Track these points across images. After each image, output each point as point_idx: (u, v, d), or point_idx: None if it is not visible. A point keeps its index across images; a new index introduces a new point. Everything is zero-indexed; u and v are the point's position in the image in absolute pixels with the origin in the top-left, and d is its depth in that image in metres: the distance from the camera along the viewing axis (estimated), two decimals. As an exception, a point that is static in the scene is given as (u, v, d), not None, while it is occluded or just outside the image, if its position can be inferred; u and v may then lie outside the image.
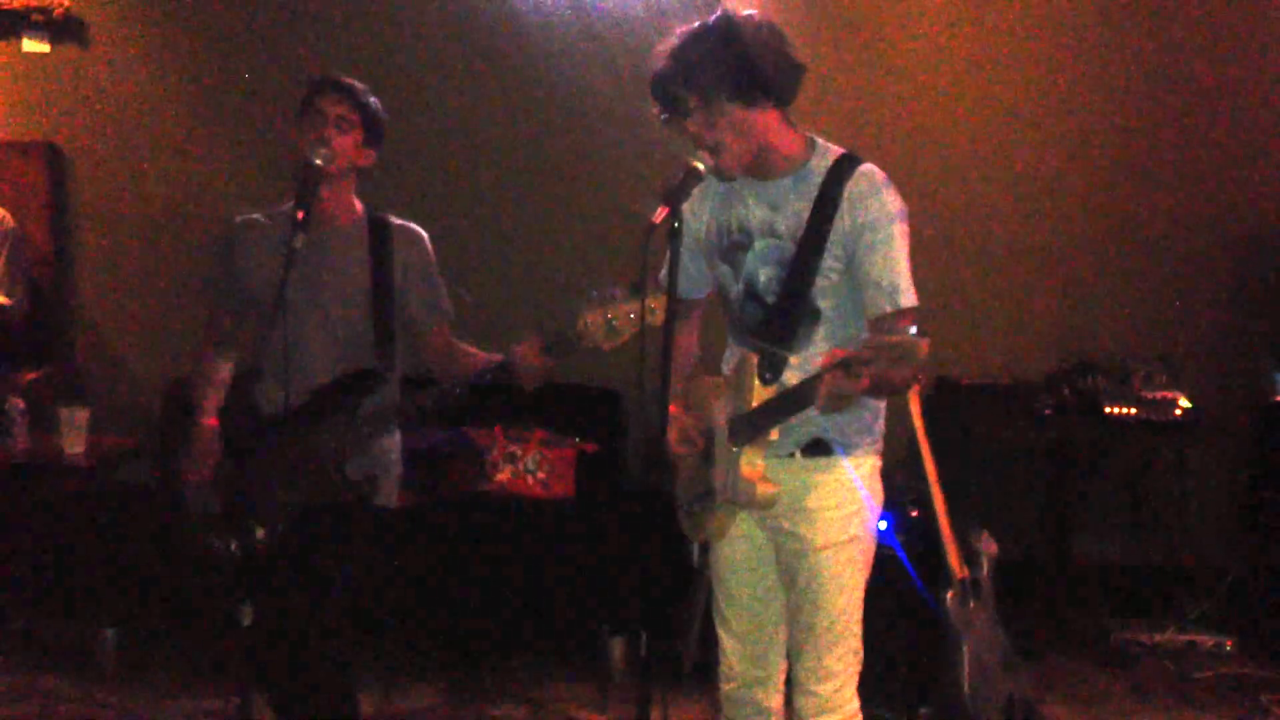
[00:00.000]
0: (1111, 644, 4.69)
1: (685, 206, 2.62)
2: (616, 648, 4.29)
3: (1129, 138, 5.14)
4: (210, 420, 3.08)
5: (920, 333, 2.57)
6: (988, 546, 4.11)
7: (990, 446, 4.90)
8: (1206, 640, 4.75)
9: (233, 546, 2.90)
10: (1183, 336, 5.12)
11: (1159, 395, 4.72)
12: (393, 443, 3.14)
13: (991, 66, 5.08)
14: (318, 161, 2.94)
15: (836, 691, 2.73)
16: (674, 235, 2.53)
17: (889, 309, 2.59)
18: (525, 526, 4.37)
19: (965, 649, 3.97)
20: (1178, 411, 4.67)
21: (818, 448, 2.70)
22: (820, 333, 2.67)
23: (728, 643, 2.87)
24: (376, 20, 5.06)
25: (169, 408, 4.65)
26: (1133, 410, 4.66)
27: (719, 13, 2.61)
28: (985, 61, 5.08)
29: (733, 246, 2.73)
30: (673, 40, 2.61)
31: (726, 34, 2.58)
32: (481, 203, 5.05)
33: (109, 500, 4.45)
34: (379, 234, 3.12)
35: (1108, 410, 4.64)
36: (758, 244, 2.69)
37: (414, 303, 3.13)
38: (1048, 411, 4.69)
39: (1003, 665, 4.01)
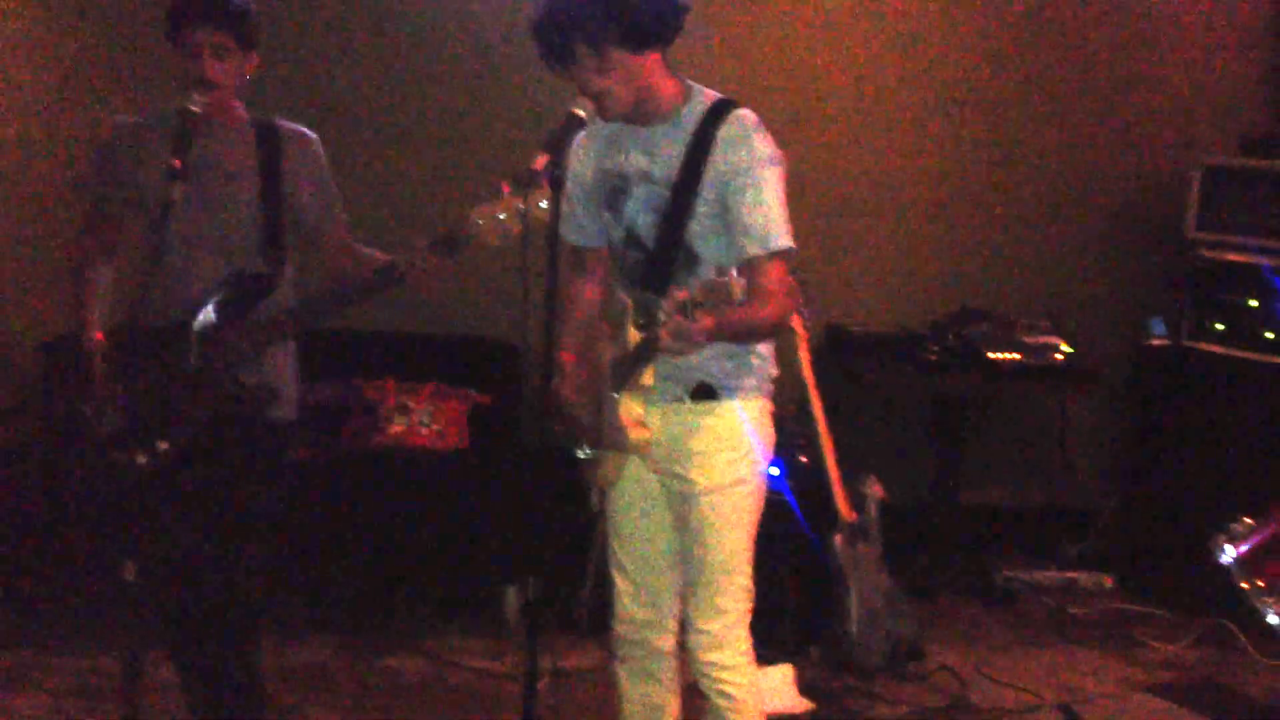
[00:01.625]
0: (994, 583, 4.83)
1: (572, 153, 2.62)
2: (512, 597, 4.31)
3: (1014, 88, 5.21)
4: (98, 334, 2.97)
5: (795, 275, 2.64)
6: (875, 490, 4.20)
7: (878, 393, 5.00)
8: (1086, 578, 4.92)
9: (140, 460, 2.83)
10: (1064, 285, 5.25)
11: (1041, 341, 4.83)
12: (288, 354, 3.09)
13: (880, 17, 5.12)
14: (195, 109, 2.87)
15: (727, 629, 2.76)
16: (555, 183, 2.50)
17: (759, 251, 2.60)
18: (419, 478, 4.35)
19: (852, 591, 4.07)
20: (1058, 357, 4.79)
21: (705, 392, 2.72)
22: (694, 277, 2.63)
23: (621, 585, 2.89)
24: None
25: (48, 368, 4.53)
26: (1016, 356, 4.77)
27: None
28: (874, 11, 5.12)
29: (613, 193, 2.74)
30: None
31: None
32: (376, 107, 4.96)
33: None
34: (267, 138, 3.04)
35: (991, 356, 4.74)
36: (636, 190, 2.70)
37: (307, 207, 3.07)
38: (933, 358, 4.78)
39: (889, 606, 4.11)
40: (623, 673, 2.93)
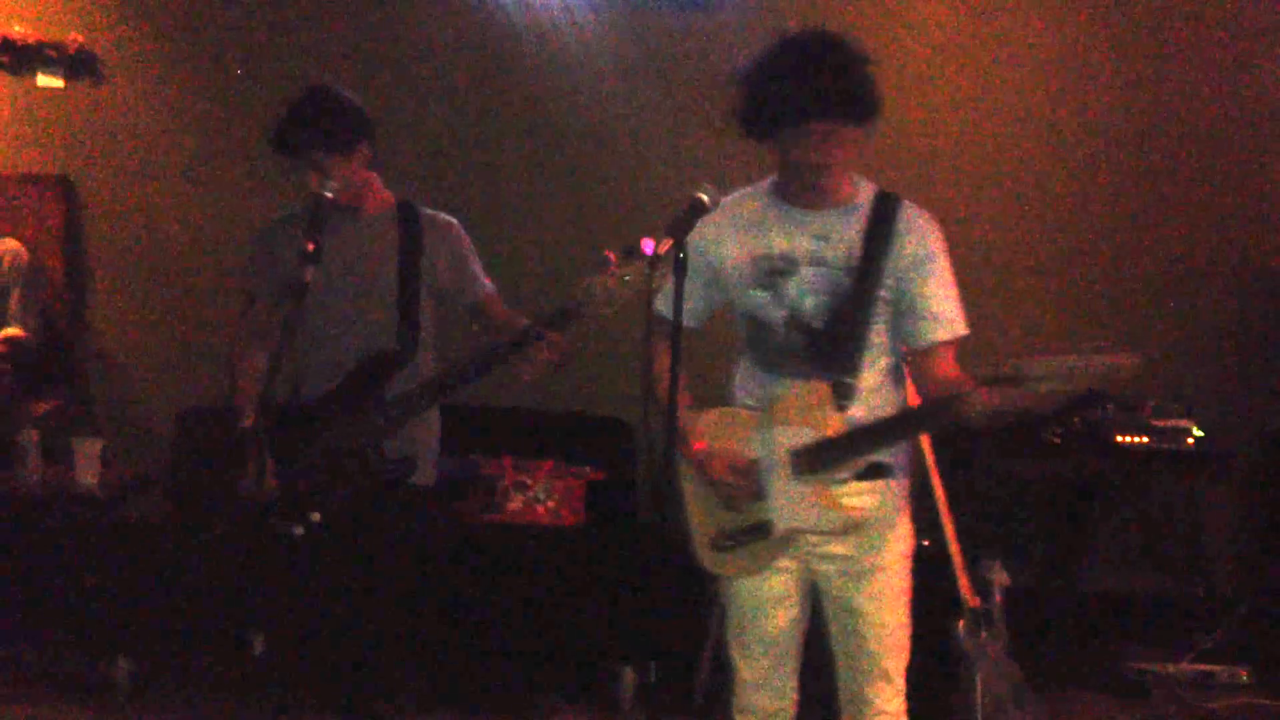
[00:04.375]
0: (1123, 674, 4.66)
1: (698, 235, 2.65)
2: (627, 677, 4.28)
3: (1141, 164, 5.13)
4: (250, 419, 3.15)
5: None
6: (999, 577, 4.11)
7: (1000, 477, 4.90)
8: (1222, 671, 4.73)
9: (297, 531, 3.00)
10: (1192, 366, 5.11)
11: (1170, 424, 4.70)
12: (426, 425, 3.24)
13: (1003, 91, 5.10)
14: (328, 195, 3.00)
15: (897, 694, 2.83)
16: (678, 267, 2.53)
17: (948, 337, 2.71)
18: (536, 556, 4.36)
19: (977, 679, 3.97)
20: (1190, 441, 4.66)
21: (875, 470, 2.74)
22: (872, 362, 2.73)
23: (747, 674, 2.87)
24: (385, 42, 5.12)
25: (181, 438, 4.68)
26: (1144, 439, 4.65)
27: (813, 30, 2.66)
28: (997, 86, 5.10)
29: (773, 273, 2.74)
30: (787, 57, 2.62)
31: (846, 52, 2.63)
32: (500, 196, 5.08)
33: (121, 531, 4.46)
34: (408, 222, 3.23)
35: (1119, 439, 4.62)
36: (804, 271, 2.72)
37: (445, 286, 3.26)
38: (1056, 441, 4.68)
39: (1014, 696, 4.00)
40: None
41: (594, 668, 4.32)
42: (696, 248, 2.71)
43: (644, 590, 4.16)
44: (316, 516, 2.99)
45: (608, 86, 5.06)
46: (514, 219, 5.08)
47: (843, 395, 2.69)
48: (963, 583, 4.02)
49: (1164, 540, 5.12)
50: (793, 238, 2.74)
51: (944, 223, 5.07)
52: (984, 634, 4.02)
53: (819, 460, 2.67)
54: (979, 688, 3.94)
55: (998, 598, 4.07)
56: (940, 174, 5.04)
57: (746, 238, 2.78)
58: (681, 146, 4.97)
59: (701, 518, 2.84)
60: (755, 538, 2.76)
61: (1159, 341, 5.13)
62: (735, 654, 2.90)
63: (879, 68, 2.66)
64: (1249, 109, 5.14)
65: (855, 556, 2.76)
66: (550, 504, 4.45)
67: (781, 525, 2.73)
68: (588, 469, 4.53)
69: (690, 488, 2.85)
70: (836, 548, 2.75)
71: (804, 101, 2.57)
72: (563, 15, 5.07)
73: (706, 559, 2.84)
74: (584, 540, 4.42)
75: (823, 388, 2.69)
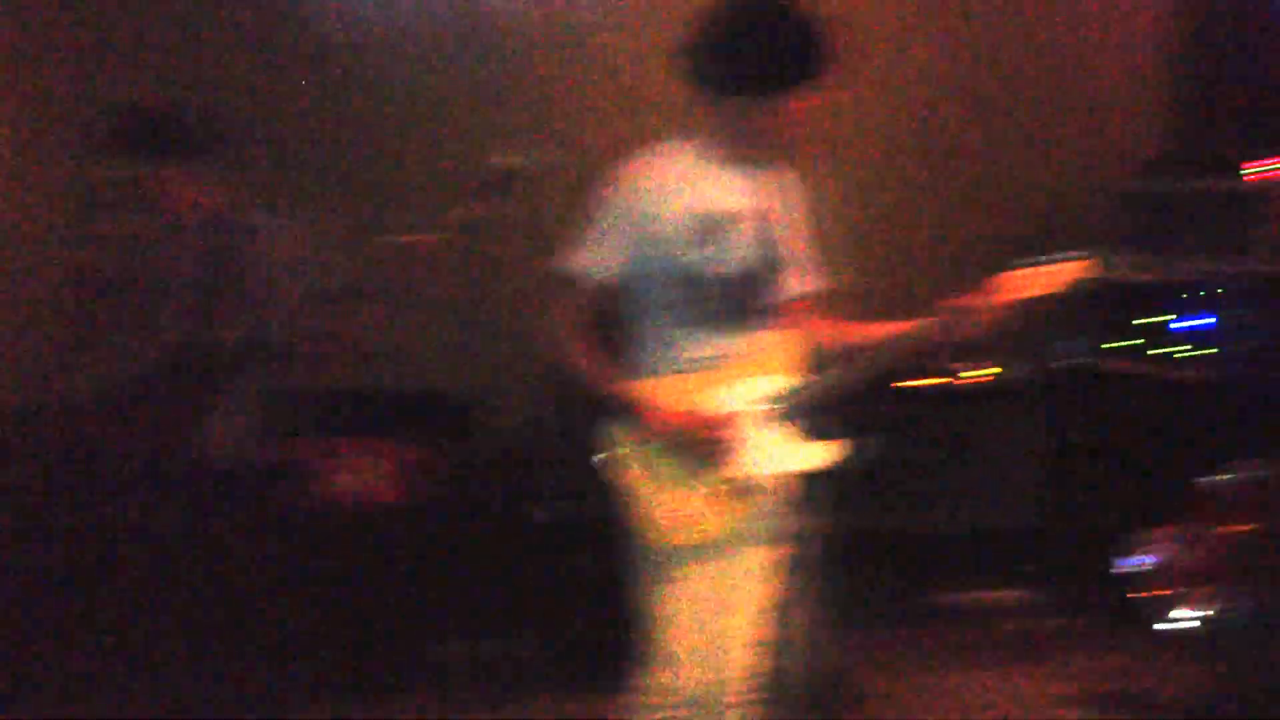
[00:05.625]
0: (927, 608, 4.94)
1: (631, 190, 2.74)
2: (460, 653, 4.32)
3: (934, 115, 5.39)
4: None
5: None
6: (808, 522, 4.27)
7: (817, 423, 5.06)
8: (1014, 596, 5.03)
9: None
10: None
11: (966, 364, 4.95)
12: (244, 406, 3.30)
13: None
14: None
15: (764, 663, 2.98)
16: (488, 235, 2.63)
17: (817, 287, 2.92)
18: (363, 536, 4.35)
19: (789, 624, 4.13)
20: (984, 378, 4.92)
21: (822, 425, 2.88)
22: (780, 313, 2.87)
23: (693, 643, 2.83)
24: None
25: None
26: (944, 379, 4.89)
27: None
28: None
29: (716, 230, 2.78)
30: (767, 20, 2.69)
31: (814, 24, 2.72)
32: None
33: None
34: None
35: (911, 382, 4.85)
36: (741, 230, 2.80)
37: None
38: (864, 385, 4.86)
39: (824, 635, 4.19)
40: None
41: (427, 646, 4.35)
42: (625, 202, 2.76)
43: (476, 566, 4.20)
44: None
45: (417, 50, 5.03)
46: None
47: (791, 342, 2.84)
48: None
49: (964, 475, 5.38)
50: (733, 194, 2.80)
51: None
52: (797, 579, 4.18)
53: (789, 403, 2.79)
54: (792, 631, 4.10)
55: (810, 543, 4.24)
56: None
57: (686, 194, 2.78)
58: (493, 113, 4.99)
59: (662, 487, 2.78)
60: (737, 492, 2.78)
61: (957, 287, 5.36)
62: (677, 627, 2.83)
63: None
64: (1044, 67, 5.43)
65: (778, 508, 2.91)
66: (377, 482, 4.43)
67: (765, 474, 2.80)
68: (413, 446, 4.51)
69: (642, 459, 2.79)
70: (774, 495, 2.86)
71: (773, 73, 2.69)
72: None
73: (673, 529, 2.78)
74: (415, 518, 4.42)
75: (784, 335, 2.83)
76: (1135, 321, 4.96)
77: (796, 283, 2.90)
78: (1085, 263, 2.71)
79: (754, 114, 2.73)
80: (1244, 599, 2.93)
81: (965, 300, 2.71)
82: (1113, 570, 3.63)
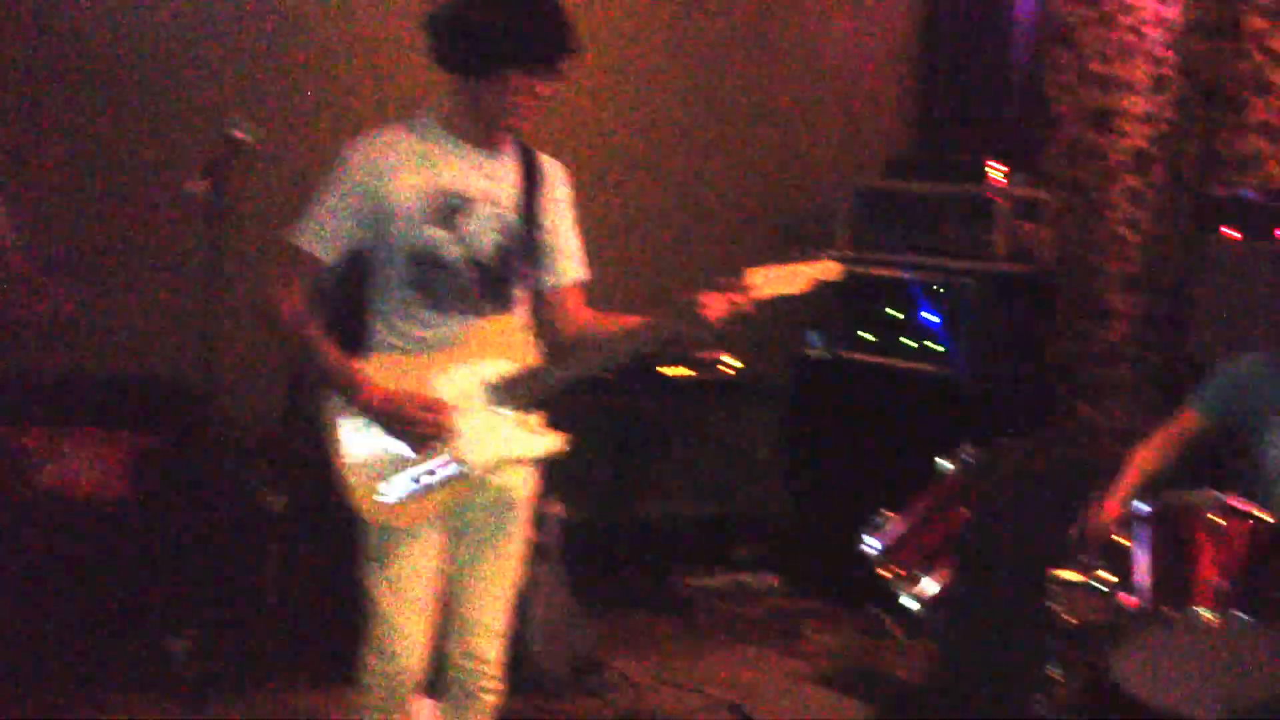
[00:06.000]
0: (672, 592, 5.01)
1: (362, 166, 2.68)
2: (181, 648, 4.13)
3: (682, 117, 5.42)
4: None
5: None
6: (553, 510, 4.28)
7: (561, 412, 5.08)
8: (754, 579, 5.16)
9: None
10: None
11: (712, 357, 5.05)
12: None
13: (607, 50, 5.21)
14: None
15: (502, 654, 2.92)
16: (216, 209, 2.51)
17: (582, 276, 2.90)
18: (77, 530, 4.12)
19: (533, 610, 4.14)
20: (729, 371, 5.02)
21: (541, 402, 2.81)
22: (525, 300, 2.83)
23: (407, 628, 2.78)
24: None
25: None
26: (689, 372, 4.97)
27: None
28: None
29: (450, 210, 2.72)
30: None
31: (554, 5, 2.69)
32: None
33: None
34: None
35: (664, 372, 4.92)
36: (481, 209, 2.74)
37: None
38: (610, 376, 4.90)
39: (569, 624, 4.20)
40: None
41: (148, 642, 4.15)
42: (354, 178, 2.70)
43: (200, 559, 4.03)
44: None
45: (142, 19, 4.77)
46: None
47: (527, 329, 2.79)
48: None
49: (709, 465, 5.49)
50: (468, 176, 2.74)
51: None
52: (542, 566, 4.19)
53: (522, 390, 2.72)
54: (536, 618, 4.12)
55: (553, 531, 4.25)
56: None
57: (419, 172, 2.72)
58: (225, 85, 4.78)
59: (373, 469, 2.72)
60: (450, 477, 2.71)
61: (703, 284, 5.43)
62: (385, 610, 2.78)
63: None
64: (787, 70, 5.54)
65: (509, 487, 2.81)
66: (93, 473, 4.21)
67: (482, 459, 2.72)
68: (136, 436, 4.31)
69: (355, 439, 2.73)
70: (496, 480, 2.78)
71: (513, 52, 2.63)
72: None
73: (382, 511, 2.73)
74: (132, 512, 4.21)
75: (514, 320, 2.77)
76: (879, 316, 5.14)
77: (557, 272, 2.88)
78: (826, 264, 2.79)
79: (493, 94, 2.68)
80: (964, 579, 3.06)
81: (705, 297, 2.71)
82: (854, 553, 3.74)
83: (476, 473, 2.72)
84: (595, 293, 5.30)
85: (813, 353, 5.28)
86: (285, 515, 4.10)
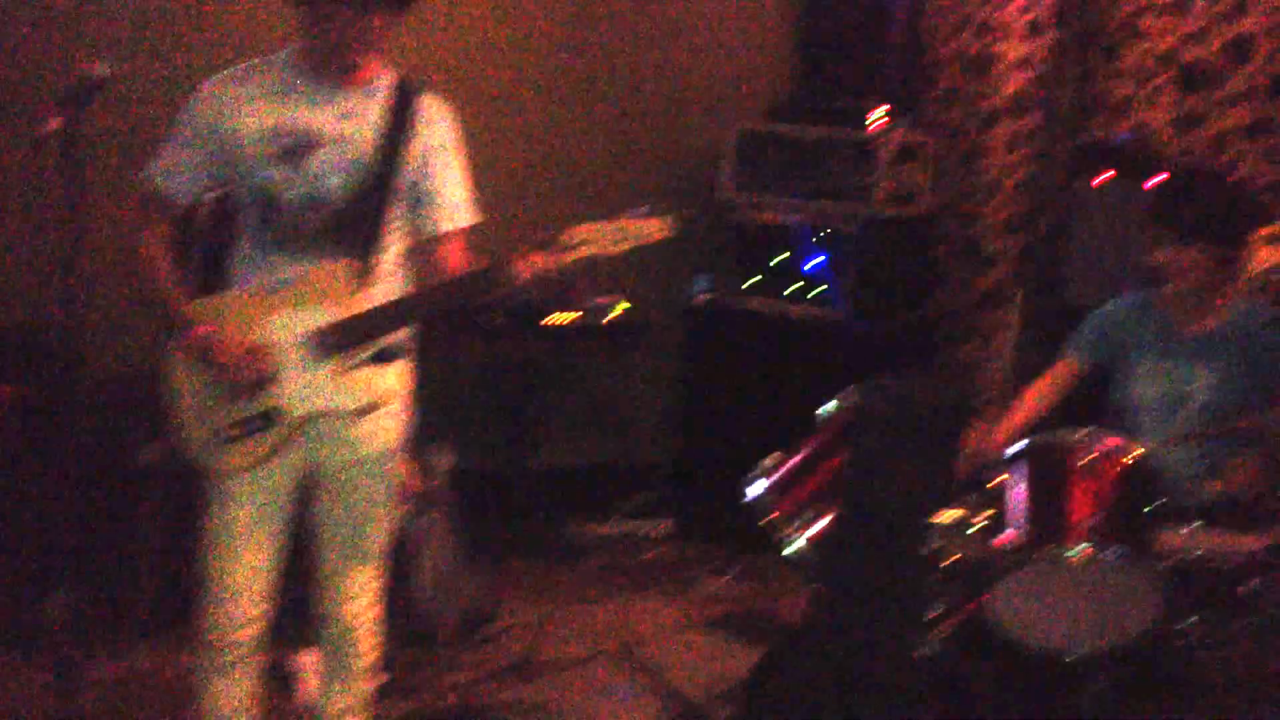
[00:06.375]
0: (565, 540, 5.01)
1: (207, 103, 2.61)
2: (54, 608, 4.03)
3: (562, 63, 5.35)
4: None
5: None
6: (444, 460, 4.25)
7: (443, 361, 5.03)
8: (645, 526, 5.19)
9: None
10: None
11: (599, 302, 5.02)
12: None
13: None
14: None
15: (370, 606, 2.92)
16: (69, 150, 2.43)
17: (457, 225, 2.81)
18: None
19: (423, 560, 4.11)
20: (615, 315, 4.99)
21: (389, 352, 2.74)
22: (388, 246, 2.73)
23: (230, 581, 2.75)
24: None
25: None
26: (574, 317, 4.93)
27: None
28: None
29: (295, 149, 2.64)
30: None
31: None
32: None
33: None
34: None
35: (549, 320, 4.88)
36: (328, 148, 2.65)
37: None
38: (499, 322, 4.86)
39: (459, 572, 4.19)
40: (217, 676, 2.81)
41: (20, 602, 4.03)
42: (204, 116, 2.63)
43: (66, 516, 3.91)
44: None
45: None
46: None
47: (363, 276, 2.67)
48: (405, 468, 4.12)
49: (599, 412, 5.50)
50: (318, 113, 2.66)
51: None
52: (430, 515, 4.16)
53: (342, 339, 2.64)
54: (425, 568, 4.09)
55: (442, 480, 4.22)
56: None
57: (267, 109, 2.65)
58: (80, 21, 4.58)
59: (198, 413, 2.69)
60: (268, 425, 2.66)
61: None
62: (217, 559, 2.76)
63: None
64: (667, 14, 5.49)
65: (354, 441, 2.76)
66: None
67: (299, 409, 2.66)
68: (5, 385, 4.16)
69: (184, 382, 2.70)
70: (349, 431, 2.73)
71: None
72: None
73: (207, 456, 2.70)
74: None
75: (343, 267, 2.66)
76: (764, 261, 5.15)
77: (433, 219, 2.79)
78: (657, 222, 2.70)
79: (327, 26, 2.58)
80: (844, 520, 3.10)
81: (518, 255, 2.64)
82: (740, 500, 3.76)
83: (290, 421, 2.67)
84: (491, 235, 5.29)
85: (701, 297, 5.29)
86: (159, 467, 4.00)
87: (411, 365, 2.89)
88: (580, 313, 4.87)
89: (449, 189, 2.80)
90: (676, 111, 5.57)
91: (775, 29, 5.74)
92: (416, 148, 2.74)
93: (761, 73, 5.69)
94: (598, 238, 2.64)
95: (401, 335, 2.79)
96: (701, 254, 5.41)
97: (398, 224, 2.76)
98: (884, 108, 5.02)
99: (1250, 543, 3.14)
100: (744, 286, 5.20)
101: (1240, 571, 3.11)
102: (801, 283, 5.06)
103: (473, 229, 2.87)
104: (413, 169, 2.74)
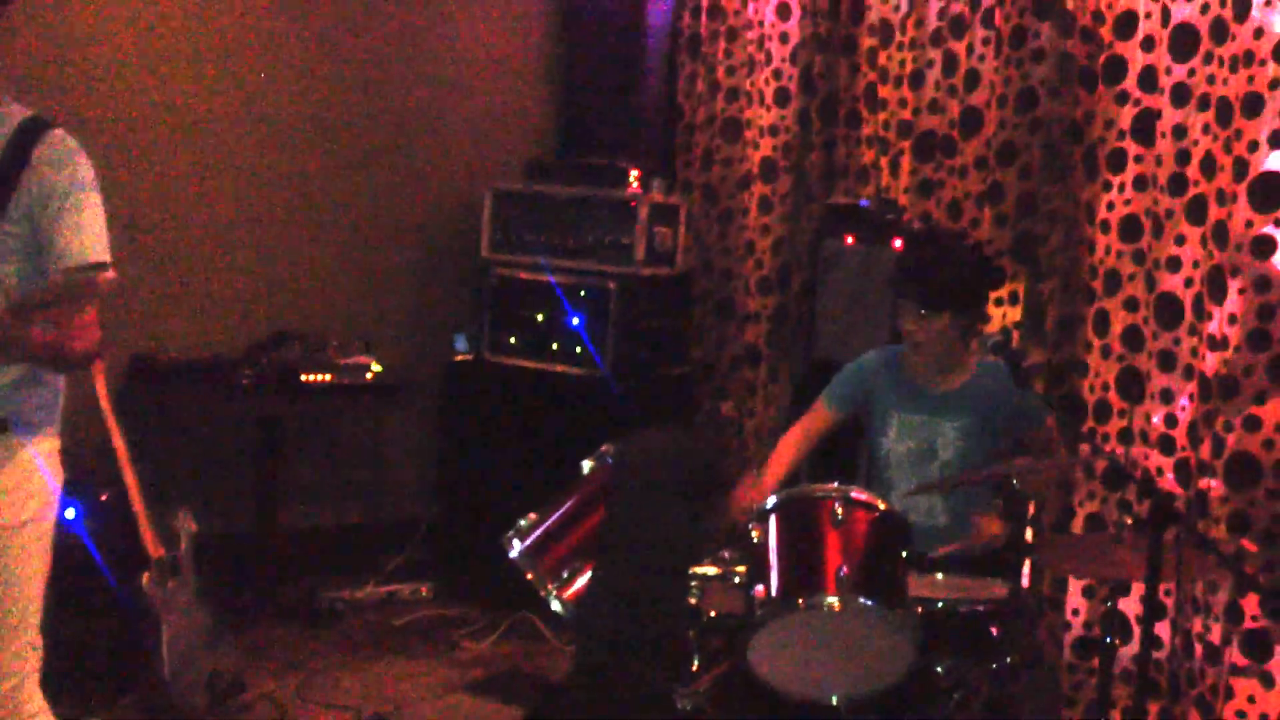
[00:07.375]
0: (318, 606, 4.85)
1: None
2: None
3: (322, 121, 5.26)
4: None
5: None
6: (186, 523, 4.07)
7: (194, 422, 4.85)
8: (404, 589, 5.08)
9: None
10: (376, 306, 5.38)
11: (353, 362, 4.92)
12: None
13: (199, 44, 4.94)
14: None
15: (15, 690, 2.58)
16: None
17: (73, 263, 2.52)
18: None
19: (164, 630, 3.90)
20: (369, 375, 4.91)
21: None
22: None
23: None
24: None
25: None
26: (328, 377, 4.82)
27: None
28: (194, 38, 4.92)
29: None
30: None
31: None
32: None
33: None
34: None
35: (304, 378, 4.75)
36: None
37: None
38: (246, 382, 4.71)
39: (205, 642, 3.99)
40: None
41: None
42: None
43: None
44: None
45: None
46: None
47: None
48: (146, 534, 3.93)
49: (353, 472, 5.38)
50: None
51: (125, 169, 4.83)
52: (171, 583, 3.96)
53: None
54: (166, 639, 3.89)
55: (185, 545, 4.03)
56: (119, 118, 4.77)
57: None
58: None
59: None
60: None
61: (345, 288, 5.34)
62: None
63: None
64: (417, 57, 5.46)
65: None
66: None
67: None
68: None
69: None
70: None
71: None
72: None
73: None
74: None
75: None
76: (524, 318, 5.16)
77: (42, 267, 2.55)
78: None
79: None
80: (604, 575, 3.11)
81: None
82: (504, 558, 3.72)
83: None
84: (240, 292, 5.08)
85: (459, 355, 5.25)
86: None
87: (38, 439, 2.63)
88: (334, 373, 4.78)
89: (56, 234, 2.53)
90: (438, 172, 5.55)
91: (533, 91, 5.80)
92: (28, 195, 2.51)
93: (520, 133, 5.74)
94: None
95: (11, 408, 2.58)
96: (461, 312, 5.40)
97: (9, 275, 2.55)
98: (641, 169, 5.12)
99: (996, 589, 3.30)
100: (503, 344, 5.19)
101: (987, 616, 3.26)
102: (560, 340, 5.08)
103: (96, 266, 2.59)
104: (21, 216, 2.52)
